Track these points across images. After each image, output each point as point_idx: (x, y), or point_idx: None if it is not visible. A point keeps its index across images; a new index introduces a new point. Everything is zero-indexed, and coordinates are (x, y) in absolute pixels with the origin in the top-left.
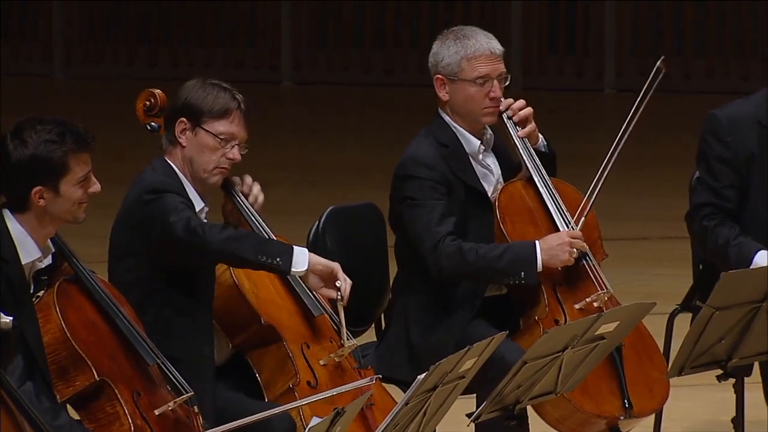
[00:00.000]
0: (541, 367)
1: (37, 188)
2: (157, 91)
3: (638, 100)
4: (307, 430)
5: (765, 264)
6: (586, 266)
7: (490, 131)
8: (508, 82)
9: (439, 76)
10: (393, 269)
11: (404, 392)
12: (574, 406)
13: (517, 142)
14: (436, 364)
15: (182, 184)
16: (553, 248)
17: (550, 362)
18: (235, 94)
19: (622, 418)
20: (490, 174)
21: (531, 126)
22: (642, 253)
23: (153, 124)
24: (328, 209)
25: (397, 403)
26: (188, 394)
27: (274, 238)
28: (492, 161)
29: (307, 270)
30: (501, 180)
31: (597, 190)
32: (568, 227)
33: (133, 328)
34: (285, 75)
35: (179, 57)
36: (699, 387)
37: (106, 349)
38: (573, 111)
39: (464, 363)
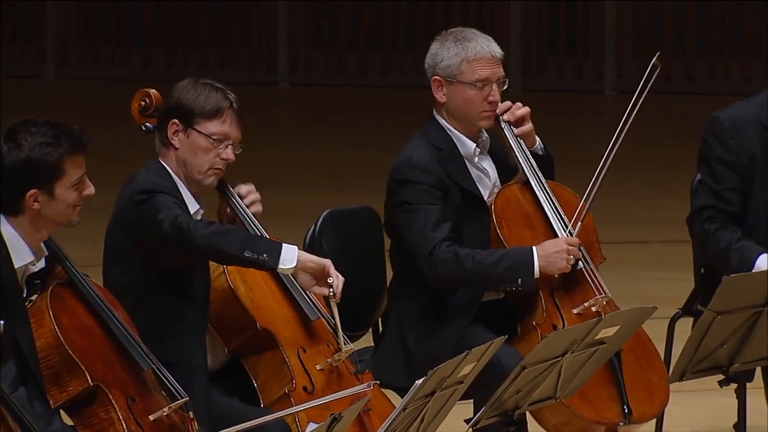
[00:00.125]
0: (540, 372)
1: (32, 191)
2: (153, 91)
3: (635, 97)
4: None
5: (767, 268)
6: (584, 270)
7: (485, 134)
8: (506, 86)
9: (437, 77)
10: (390, 273)
11: (402, 397)
12: (572, 413)
13: (513, 145)
14: (435, 368)
15: (176, 185)
16: (550, 255)
17: (550, 367)
18: (228, 93)
19: (621, 424)
20: (485, 177)
21: (528, 126)
22: (642, 256)
23: (148, 124)
24: (325, 212)
25: (395, 408)
26: (183, 400)
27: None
28: (488, 164)
29: (295, 267)
30: (497, 183)
31: (594, 192)
32: (565, 231)
33: (127, 332)
34: (281, 76)
35: (174, 58)
36: (700, 392)
37: (100, 353)
38: (573, 112)
39: (463, 368)
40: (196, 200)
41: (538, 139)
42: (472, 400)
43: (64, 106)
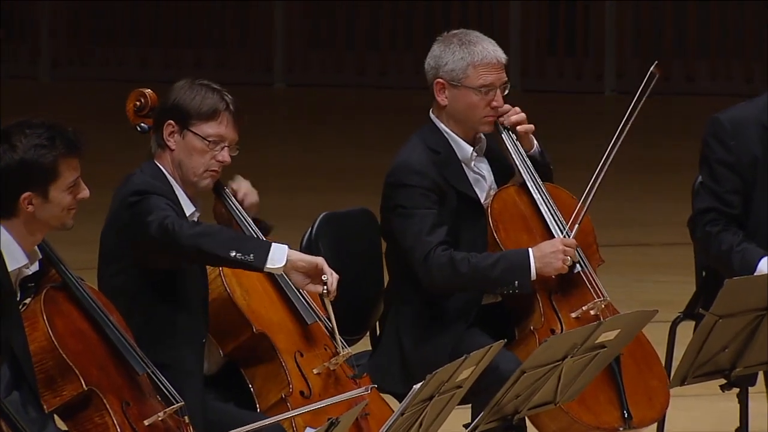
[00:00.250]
0: (540, 377)
1: (26, 194)
2: (148, 91)
3: (632, 105)
4: None
5: None
6: (582, 273)
7: (482, 137)
8: (507, 91)
9: (441, 80)
10: (388, 276)
11: (400, 402)
12: (572, 418)
13: (509, 147)
14: (433, 373)
15: (172, 187)
16: (546, 256)
17: (550, 371)
18: (224, 94)
19: (621, 429)
20: (482, 180)
21: (527, 126)
22: (643, 259)
23: (143, 125)
24: (322, 215)
25: (393, 412)
26: (178, 404)
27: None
28: (485, 167)
29: (284, 266)
30: (494, 186)
31: (591, 195)
32: (562, 233)
33: (122, 336)
34: (278, 77)
35: (170, 58)
36: (702, 397)
37: (94, 357)
38: (572, 113)
39: (461, 372)
40: (192, 202)
41: (536, 143)
42: (469, 405)
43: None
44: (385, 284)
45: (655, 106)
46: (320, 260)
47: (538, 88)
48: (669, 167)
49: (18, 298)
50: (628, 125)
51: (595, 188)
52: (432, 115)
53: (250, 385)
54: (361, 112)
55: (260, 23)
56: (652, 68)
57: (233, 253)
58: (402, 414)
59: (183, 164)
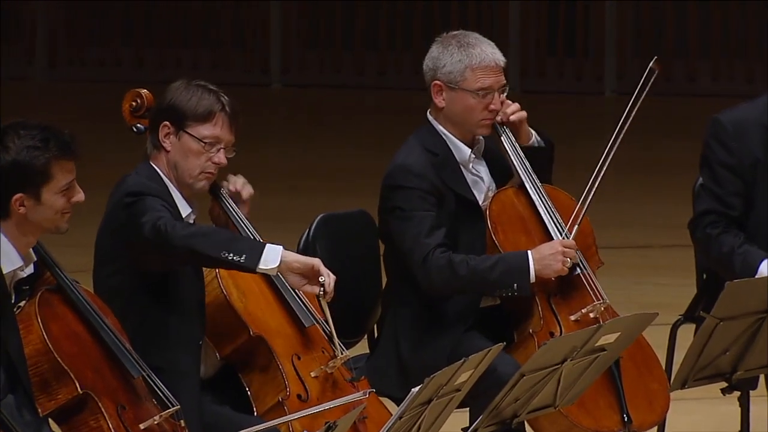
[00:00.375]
0: (539, 380)
1: (18, 195)
2: (144, 91)
3: (631, 102)
4: None
5: None
6: (581, 276)
7: (481, 138)
8: (506, 94)
9: (438, 82)
10: (385, 278)
11: (397, 406)
12: (571, 422)
13: (507, 148)
14: (431, 376)
15: (167, 188)
16: (545, 258)
17: (549, 375)
18: (221, 95)
19: None
20: (481, 182)
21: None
22: (644, 261)
23: (139, 125)
24: (319, 216)
25: (391, 416)
26: (174, 408)
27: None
28: (483, 169)
29: (278, 267)
30: (492, 187)
31: (590, 196)
32: (561, 235)
33: (117, 339)
34: (274, 77)
35: (166, 59)
36: (703, 400)
37: (89, 361)
38: (572, 115)
39: (460, 376)
40: (188, 203)
41: (533, 132)
42: (468, 409)
43: (54, 107)
44: (383, 287)
45: (656, 106)
46: (316, 261)
47: (537, 89)
48: (669, 168)
49: (13, 301)
50: (628, 123)
51: (594, 188)
52: (429, 117)
53: (247, 389)
54: (359, 113)
55: (257, 23)
56: (651, 64)
57: (224, 254)
58: (400, 417)
59: (178, 166)
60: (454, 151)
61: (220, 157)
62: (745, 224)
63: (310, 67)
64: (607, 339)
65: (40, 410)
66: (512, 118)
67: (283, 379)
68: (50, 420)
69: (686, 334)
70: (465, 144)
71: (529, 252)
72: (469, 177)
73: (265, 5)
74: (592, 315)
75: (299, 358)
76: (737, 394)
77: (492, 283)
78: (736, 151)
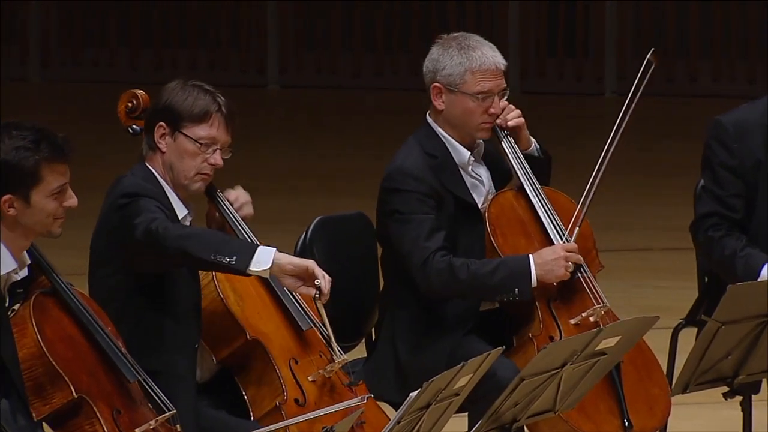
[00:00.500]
0: (539, 384)
1: (7, 196)
2: (140, 92)
3: (630, 95)
4: None
5: None
6: (582, 279)
7: (481, 141)
8: (506, 97)
9: (438, 84)
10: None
11: (395, 410)
12: (571, 427)
13: (507, 150)
14: (430, 380)
15: (163, 189)
16: (547, 263)
17: (549, 379)
18: (217, 96)
19: None
20: (480, 185)
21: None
22: (644, 264)
23: (135, 126)
24: (316, 219)
25: (389, 420)
26: (170, 412)
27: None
28: (483, 171)
29: (270, 269)
30: (492, 190)
31: (590, 198)
32: (561, 238)
33: (112, 342)
34: (271, 78)
35: (162, 59)
36: (704, 405)
37: (84, 364)
38: (572, 116)
39: (459, 380)
40: (184, 205)
41: (533, 140)
42: (466, 414)
43: (49, 108)
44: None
45: (656, 107)
46: (311, 263)
47: (537, 89)
48: (670, 170)
49: (6, 304)
50: (627, 118)
51: (594, 189)
52: (429, 119)
53: (244, 393)
54: (357, 114)
55: (253, 24)
56: (648, 56)
57: (213, 256)
58: (398, 422)
59: (174, 167)
60: (453, 154)
61: (216, 158)
62: (747, 226)
63: (307, 68)
64: (608, 343)
65: (34, 414)
66: (510, 123)
67: (280, 384)
68: (45, 424)
69: (687, 338)
70: (464, 147)
71: (531, 256)
72: (468, 180)
73: (261, 5)
74: (592, 319)
75: (296, 362)
76: (739, 398)
77: (492, 287)
78: (737, 153)
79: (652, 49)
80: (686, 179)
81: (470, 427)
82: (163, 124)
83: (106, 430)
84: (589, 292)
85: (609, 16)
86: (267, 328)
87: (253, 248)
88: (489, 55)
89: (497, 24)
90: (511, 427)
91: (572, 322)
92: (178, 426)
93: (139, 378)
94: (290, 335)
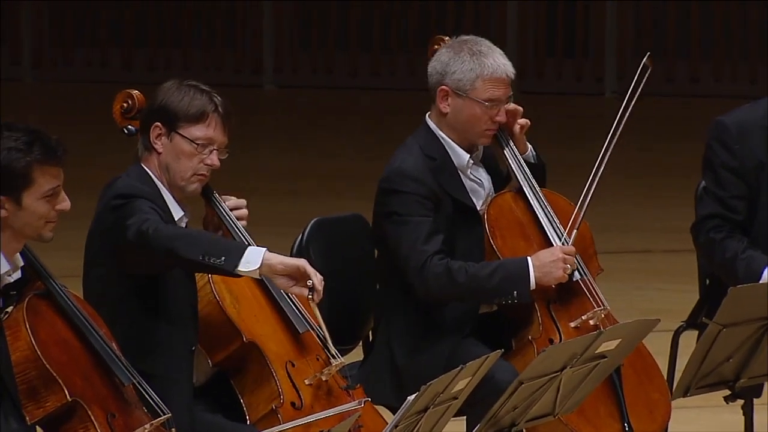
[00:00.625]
0: (538, 388)
1: None
2: (135, 92)
3: (626, 99)
4: None
5: None
6: (581, 282)
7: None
8: (510, 103)
9: (445, 87)
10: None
11: (393, 414)
12: (571, 430)
13: (505, 152)
14: (428, 384)
15: (159, 191)
16: (545, 265)
17: (548, 382)
18: (213, 96)
19: None
20: (480, 188)
21: (524, 120)
22: (645, 266)
23: (130, 127)
24: (313, 220)
25: (387, 424)
26: (165, 416)
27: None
28: (482, 175)
29: (259, 269)
30: (492, 193)
31: (589, 197)
32: (560, 240)
33: (107, 345)
34: (267, 78)
35: (155, 59)
36: (706, 408)
37: (78, 368)
38: (572, 116)
39: (457, 383)
40: (180, 206)
41: (530, 146)
42: (465, 417)
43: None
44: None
45: (657, 107)
46: (302, 262)
47: (536, 89)
48: (671, 171)
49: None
50: (623, 122)
51: (593, 190)
52: (429, 120)
53: (240, 396)
54: (353, 114)
55: (249, 23)
56: (644, 60)
57: (202, 257)
58: (396, 426)
59: (170, 168)
60: (452, 156)
61: (213, 159)
62: (749, 228)
63: (303, 68)
64: (608, 346)
65: (27, 418)
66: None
67: (276, 387)
68: (38, 428)
69: (688, 340)
70: (464, 150)
71: (529, 258)
72: (467, 183)
73: (257, 5)
74: (592, 322)
75: (293, 365)
76: (740, 402)
77: (491, 290)
78: (738, 154)
79: (648, 53)
80: (686, 180)
81: (469, 431)
82: (159, 124)
83: None
84: (589, 295)
85: (609, 16)
86: (263, 330)
87: (242, 248)
88: (501, 63)
89: (495, 24)
90: (509, 431)
91: (572, 325)
92: (173, 430)
93: (134, 381)
94: (287, 338)
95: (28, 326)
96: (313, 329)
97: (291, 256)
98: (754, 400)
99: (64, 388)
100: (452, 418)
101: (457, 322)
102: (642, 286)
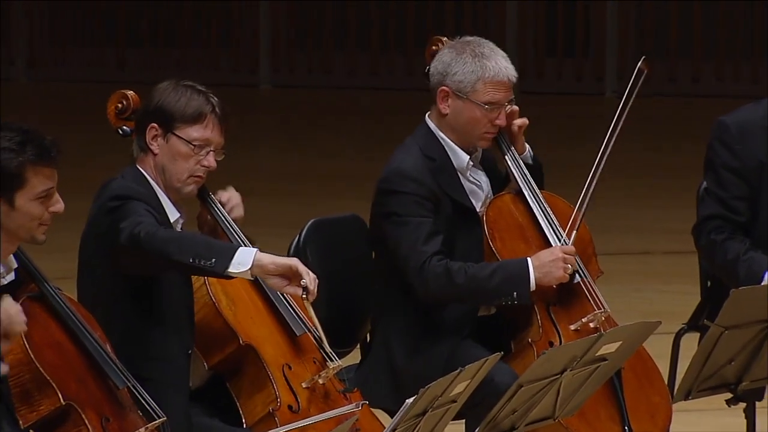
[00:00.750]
0: (538, 391)
1: None
2: (130, 93)
3: (621, 104)
4: None
5: None
6: (581, 284)
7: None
8: (510, 107)
9: (446, 88)
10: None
11: (391, 417)
12: None
13: (508, 159)
14: (426, 387)
15: (155, 192)
16: (545, 265)
17: (548, 385)
18: (210, 97)
19: None
20: (479, 190)
21: (523, 120)
22: (645, 268)
23: (125, 128)
24: (310, 221)
25: (384, 428)
26: (161, 420)
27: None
28: (482, 177)
29: (250, 269)
30: (490, 195)
31: (587, 201)
32: (560, 242)
33: (101, 348)
34: (263, 78)
35: (150, 59)
36: (707, 412)
37: (72, 371)
38: (572, 116)
39: (456, 386)
40: (176, 208)
41: (527, 147)
42: (464, 421)
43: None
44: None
45: (659, 107)
46: (294, 261)
47: (536, 89)
48: (672, 171)
49: None
50: (619, 126)
51: (591, 191)
52: (429, 120)
53: (236, 400)
54: (351, 114)
55: (245, 22)
56: (639, 64)
57: (193, 259)
58: (394, 430)
59: (166, 169)
60: (452, 157)
61: (210, 160)
62: (751, 229)
63: (300, 68)
64: (608, 348)
65: (21, 422)
66: (515, 124)
67: (273, 390)
68: None
69: (690, 343)
70: (464, 151)
71: (529, 259)
72: (466, 184)
73: (254, 4)
74: (592, 324)
75: (290, 368)
76: (742, 405)
77: (491, 291)
78: (740, 154)
79: (644, 57)
80: (687, 181)
81: None
82: (155, 125)
83: None
84: (589, 297)
85: (610, 16)
86: (260, 333)
87: (232, 250)
88: (502, 66)
89: (495, 24)
90: None
91: (572, 327)
92: None
93: (129, 384)
94: (284, 340)
95: None
96: (309, 331)
97: (288, 256)
98: (757, 403)
99: (58, 392)
100: (451, 422)
101: (456, 324)
102: (642, 288)
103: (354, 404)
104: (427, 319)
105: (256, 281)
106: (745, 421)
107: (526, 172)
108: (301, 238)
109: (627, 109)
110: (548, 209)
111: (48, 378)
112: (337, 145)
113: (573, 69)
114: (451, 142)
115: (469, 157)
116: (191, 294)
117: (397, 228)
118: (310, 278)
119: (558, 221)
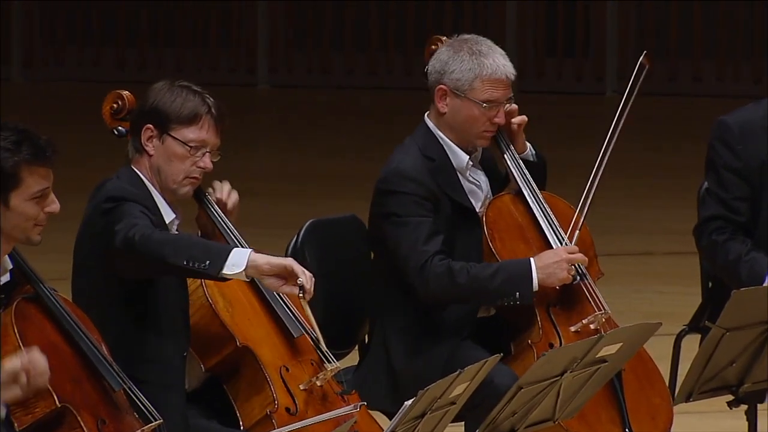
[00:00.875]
0: (537, 393)
1: None
2: (126, 93)
3: (624, 99)
4: None
5: None
6: (582, 285)
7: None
8: (509, 105)
9: (444, 87)
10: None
11: (389, 419)
12: None
13: (508, 160)
14: (425, 389)
15: (150, 193)
16: (549, 266)
17: (548, 387)
18: (206, 97)
19: None
20: (479, 190)
21: (522, 117)
22: (646, 269)
23: (120, 128)
24: (308, 222)
25: (383, 430)
26: (157, 422)
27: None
28: (481, 177)
29: (244, 270)
30: (490, 195)
31: (588, 202)
32: (561, 243)
33: (97, 350)
34: (262, 78)
35: (148, 58)
36: (708, 414)
37: (68, 373)
38: (572, 116)
39: (455, 388)
40: (171, 209)
41: (529, 145)
42: (463, 423)
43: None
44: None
45: (660, 107)
46: (289, 261)
47: (535, 89)
48: (672, 171)
49: None
50: (622, 121)
51: (592, 192)
52: (428, 120)
53: (233, 402)
54: (349, 114)
55: (244, 22)
56: (641, 59)
57: (186, 261)
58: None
59: (162, 170)
60: (451, 157)
61: (206, 162)
62: (752, 230)
63: (298, 68)
64: (609, 350)
65: (16, 424)
66: (514, 123)
67: (271, 392)
68: None
69: (691, 344)
70: (463, 151)
71: (532, 260)
72: (466, 184)
73: (252, 4)
74: (592, 326)
75: (288, 370)
76: (744, 407)
77: (493, 291)
78: (742, 154)
79: (645, 51)
80: (688, 181)
81: None
82: (151, 126)
83: None
84: (590, 299)
85: (610, 15)
86: (257, 334)
87: (226, 251)
88: (500, 64)
89: (494, 24)
90: None
91: (572, 329)
92: None
93: (125, 386)
94: (281, 342)
95: (16, 330)
96: (307, 333)
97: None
98: (758, 405)
99: (53, 394)
100: (450, 424)
101: (456, 325)
102: (642, 289)
103: (352, 406)
104: (427, 320)
105: (253, 282)
106: (746, 423)
107: (526, 171)
108: (299, 239)
109: (629, 104)
110: (548, 210)
111: None
112: (336, 145)
113: (573, 69)
114: (451, 142)
115: (468, 157)
116: (186, 296)
117: (396, 228)
118: (306, 277)
119: (558, 222)
